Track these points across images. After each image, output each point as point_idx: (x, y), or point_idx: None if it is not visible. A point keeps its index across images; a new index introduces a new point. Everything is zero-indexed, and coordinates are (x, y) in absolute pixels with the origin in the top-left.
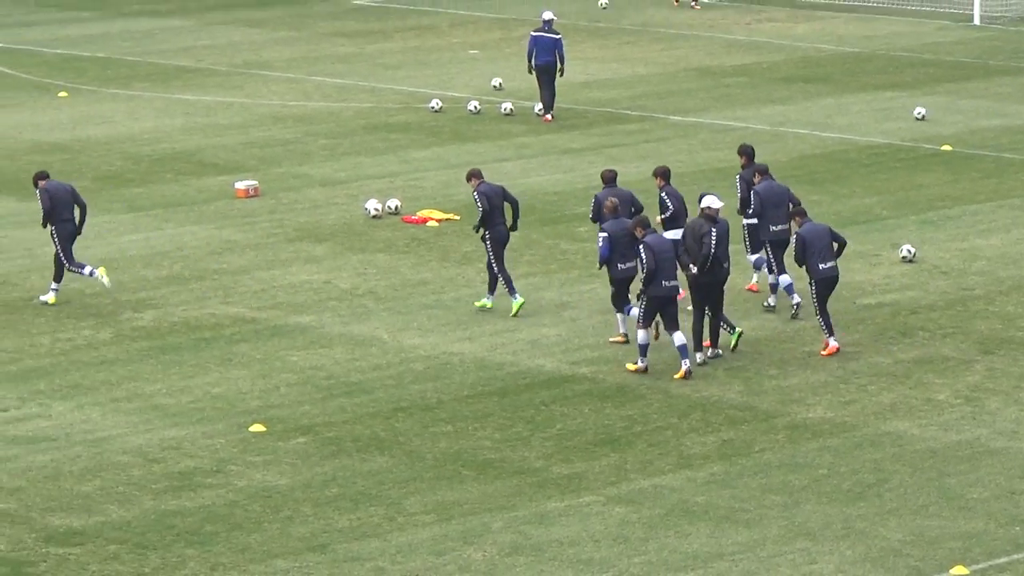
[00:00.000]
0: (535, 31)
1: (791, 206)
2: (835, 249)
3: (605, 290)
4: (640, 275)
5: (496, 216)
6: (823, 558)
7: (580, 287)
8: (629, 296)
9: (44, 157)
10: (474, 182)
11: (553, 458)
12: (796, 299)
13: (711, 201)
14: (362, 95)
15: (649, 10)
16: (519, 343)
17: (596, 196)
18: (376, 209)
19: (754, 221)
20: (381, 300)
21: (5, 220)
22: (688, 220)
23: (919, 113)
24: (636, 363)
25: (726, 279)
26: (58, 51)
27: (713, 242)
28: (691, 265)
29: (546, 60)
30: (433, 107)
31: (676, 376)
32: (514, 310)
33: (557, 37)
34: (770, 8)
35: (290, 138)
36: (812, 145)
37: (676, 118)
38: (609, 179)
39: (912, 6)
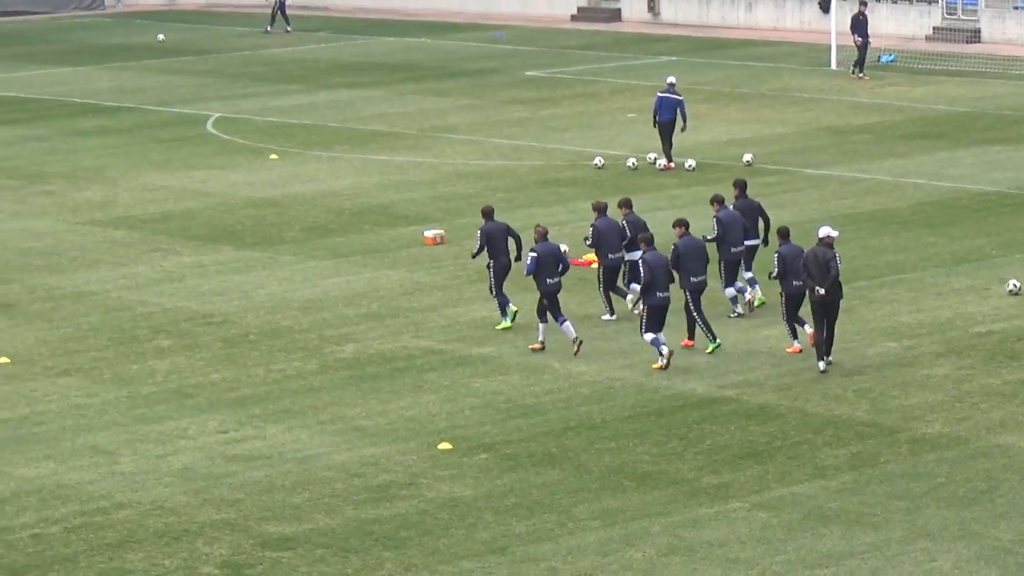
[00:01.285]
0: (661, 92)
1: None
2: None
3: (747, 322)
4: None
5: (500, 248)
6: (942, 556)
7: (727, 319)
8: (560, 307)
9: (257, 211)
10: (483, 220)
11: (704, 470)
12: (738, 310)
13: (828, 231)
14: (534, 154)
15: (785, 77)
16: (673, 370)
17: (594, 224)
18: None
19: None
20: (552, 333)
21: (224, 266)
22: (808, 249)
23: None
24: (658, 362)
25: (842, 297)
26: (269, 119)
27: (839, 265)
28: (818, 288)
29: (668, 117)
30: (597, 164)
31: (654, 367)
32: (500, 326)
33: (679, 98)
34: (892, 74)
35: (471, 192)
36: (928, 193)
37: (809, 171)
38: (601, 209)
39: (1015, 71)
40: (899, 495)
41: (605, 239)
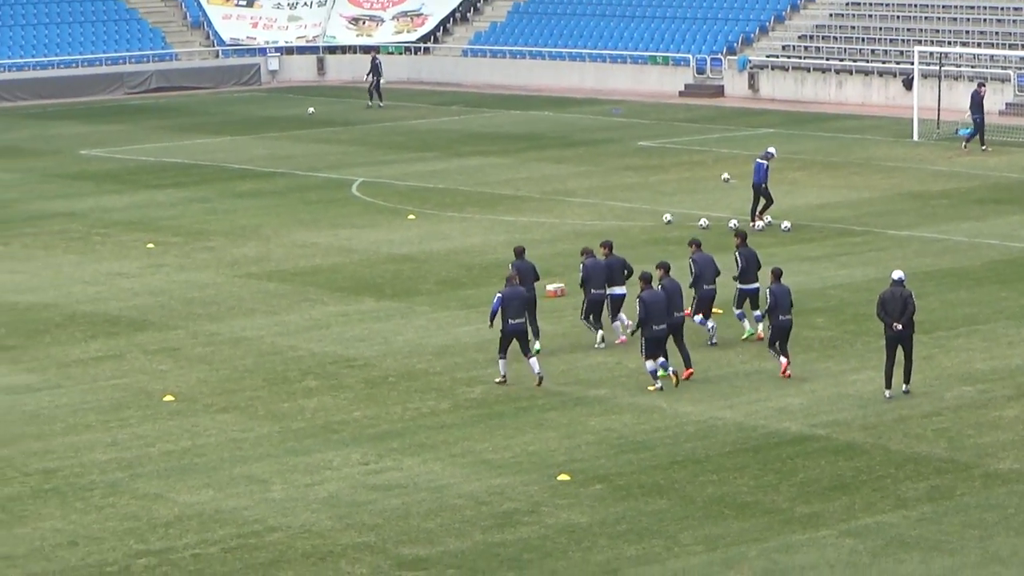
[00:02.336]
0: (759, 157)
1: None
2: (790, 306)
3: (838, 366)
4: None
5: (528, 283)
6: None
7: (818, 365)
8: (528, 346)
9: (396, 266)
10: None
11: (796, 500)
12: (710, 326)
13: (899, 274)
14: (645, 216)
15: (871, 147)
16: (769, 410)
17: (584, 264)
18: None
19: (745, 286)
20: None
21: (366, 315)
22: (883, 291)
23: None
24: (654, 385)
25: (914, 331)
26: (408, 183)
27: (915, 303)
28: (895, 324)
29: (756, 180)
30: (702, 225)
31: (650, 388)
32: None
33: (765, 164)
34: (968, 145)
35: None
36: (1001, 253)
37: (892, 232)
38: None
39: None
40: (973, 524)
41: (592, 277)
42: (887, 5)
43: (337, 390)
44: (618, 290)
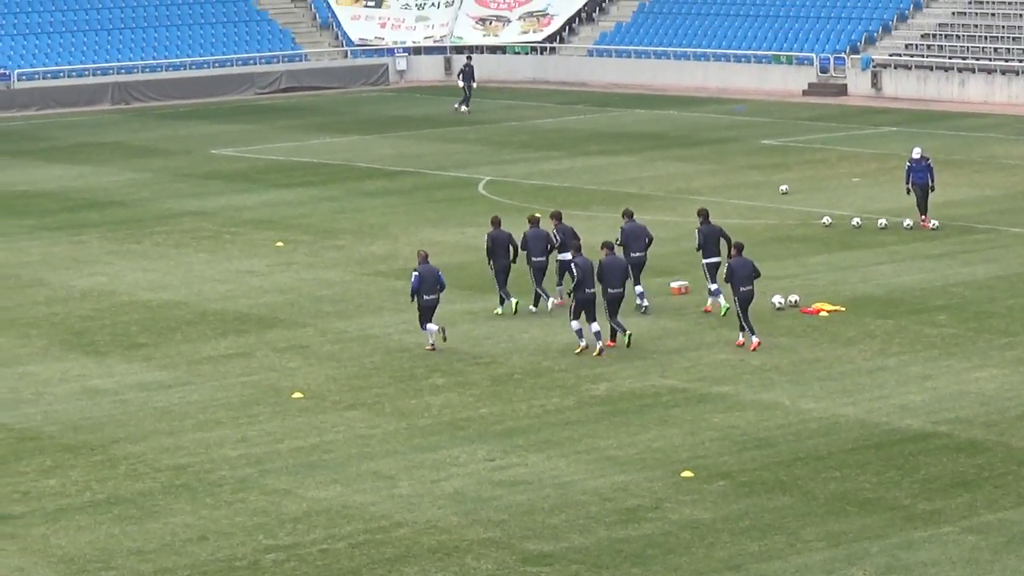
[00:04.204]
0: (920, 160)
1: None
2: (753, 277)
3: (960, 364)
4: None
5: (501, 252)
6: None
7: (940, 363)
8: (432, 317)
9: (523, 264)
10: (492, 228)
11: (918, 497)
12: (645, 303)
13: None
14: (768, 214)
15: (994, 146)
16: (891, 407)
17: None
18: (780, 302)
19: (707, 260)
20: (784, 374)
21: (493, 313)
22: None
23: None
24: (579, 346)
25: None
26: (534, 182)
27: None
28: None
29: (923, 180)
30: (825, 223)
31: (594, 354)
32: (500, 311)
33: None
34: None
35: None
36: None
37: (1015, 230)
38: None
39: None
40: None
41: (532, 245)
42: (1010, 3)
43: (463, 387)
44: (566, 255)
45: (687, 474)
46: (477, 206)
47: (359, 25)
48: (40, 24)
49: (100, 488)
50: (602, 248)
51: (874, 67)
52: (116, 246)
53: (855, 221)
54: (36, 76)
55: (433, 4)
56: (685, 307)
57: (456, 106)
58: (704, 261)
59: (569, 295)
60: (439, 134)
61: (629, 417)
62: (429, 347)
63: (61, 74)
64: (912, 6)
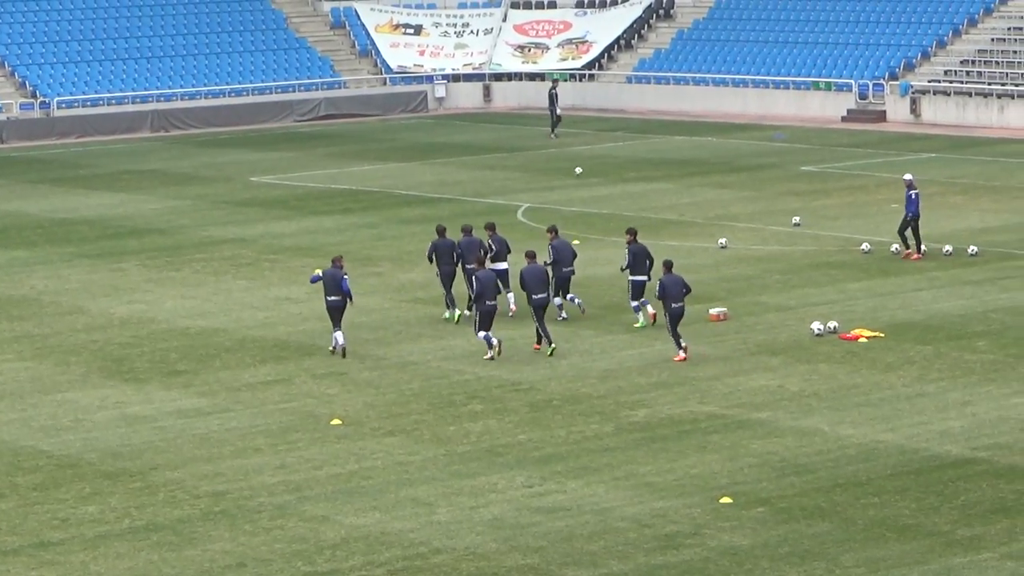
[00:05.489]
0: (913, 189)
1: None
2: (684, 294)
3: (1000, 390)
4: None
5: (445, 259)
6: None
7: (980, 389)
8: (340, 321)
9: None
10: (436, 236)
11: (958, 523)
12: (563, 315)
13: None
14: (807, 240)
15: None
16: (931, 433)
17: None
18: (819, 329)
19: (635, 278)
20: (822, 400)
21: (531, 340)
22: None
23: None
24: (488, 354)
25: None
26: (573, 209)
27: None
28: None
29: (915, 212)
30: (864, 249)
31: (485, 357)
32: (445, 316)
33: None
34: None
35: (751, 274)
36: None
37: None
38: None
39: None
40: None
41: (467, 253)
42: None
43: (502, 413)
44: (501, 265)
45: (726, 500)
46: (516, 233)
47: (398, 53)
48: (80, 52)
49: (139, 515)
50: (526, 257)
51: (913, 93)
52: (155, 273)
53: (894, 247)
54: (76, 104)
55: (472, 32)
56: (723, 334)
57: (552, 135)
58: (630, 278)
59: (469, 308)
60: (478, 161)
61: (668, 443)
62: (332, 349)
63: (101, 102)
64: (951, 32)
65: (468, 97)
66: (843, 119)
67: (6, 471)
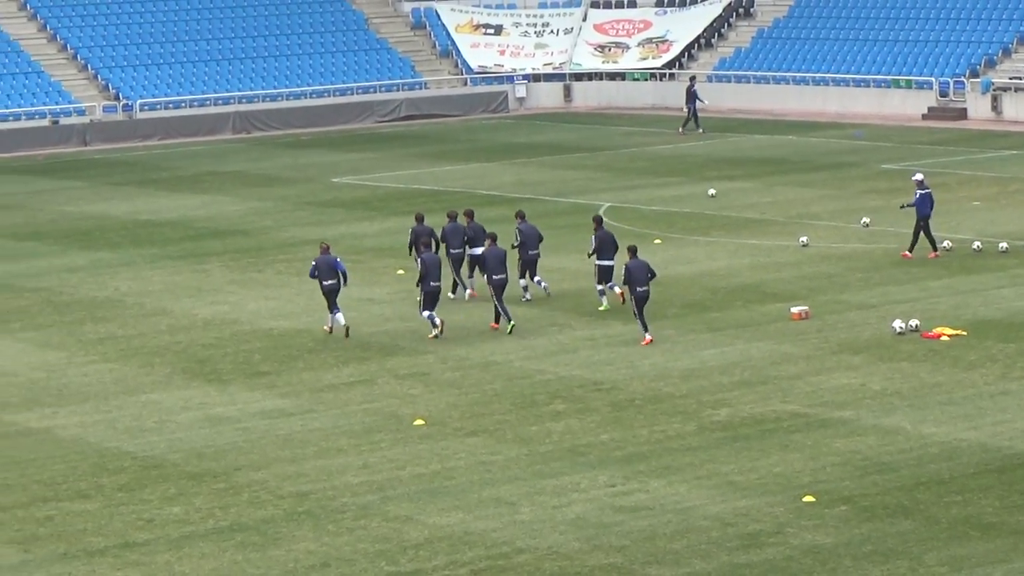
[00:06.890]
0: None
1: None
2: (648, 278)
3: None
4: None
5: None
6: None
7: None
8: (336, 302)
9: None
10: (415, 223)
11: None
12: (527, 296)
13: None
14: (889, 238)
15: None
16: (1015, 431)
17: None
18: (901, 327)
19: (601, 263)
20: (904, 398)
21: (613, 339)
22: None
23: None
24: (432, 333)
25: None
26: (654, 208)
27: None
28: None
29: (927, 212)
30: (946, 247)
31: (429, 336)
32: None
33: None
34: None
35: (833, 272)
36: None
37: None
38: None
39: None
40: None
41: (450, 238)
42: None
43: (584, 413)
44: (477, 250)
45: (809, 499)
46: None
47: (478, 53)
48: (162, 55)
49: (223, 515)
50: (485, 240)
51: (994, 90)
52: (238, 275)
53: (976, 245)
54: (158, 106)
55: (552, 31)
56: (805, 332)
57: (681, 130)
58: (597, 263)
59: (418, 285)
60: (559, 161)
61: (750, 442)
62: (327, 329)
63: (183, 104)
64: None
65: (549, 97)
66: (924, 117)
67: (92, 472)
